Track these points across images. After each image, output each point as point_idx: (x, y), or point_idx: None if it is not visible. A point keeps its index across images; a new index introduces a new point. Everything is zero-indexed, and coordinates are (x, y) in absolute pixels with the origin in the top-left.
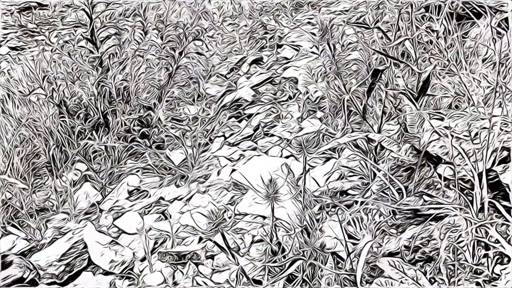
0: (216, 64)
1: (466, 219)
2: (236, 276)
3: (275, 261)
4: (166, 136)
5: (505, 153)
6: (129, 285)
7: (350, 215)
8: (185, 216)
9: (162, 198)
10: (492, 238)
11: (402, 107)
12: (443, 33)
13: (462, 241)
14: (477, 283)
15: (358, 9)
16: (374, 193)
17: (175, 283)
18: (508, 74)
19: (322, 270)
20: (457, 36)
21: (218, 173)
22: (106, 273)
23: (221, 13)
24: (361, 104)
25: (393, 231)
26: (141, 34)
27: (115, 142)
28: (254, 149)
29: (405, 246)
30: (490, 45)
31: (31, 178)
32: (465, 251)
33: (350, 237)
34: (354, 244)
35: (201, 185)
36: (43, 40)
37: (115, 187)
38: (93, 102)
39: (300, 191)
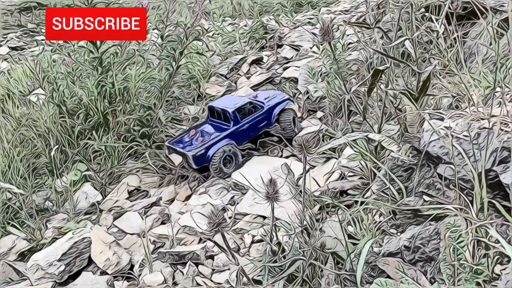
0: (217, 64)
1: (466, 219)
2: (236, 276)
3: (275, 261)
4: (166, 136)
5: (505, 153)
6: (129, 285)
7: (350, 215)
8: (185, 216)
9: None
10: (492, 238)
11: (402, 107)
12: (443, 33)
13: (462, 241)
14: (477, 283)
15: (358, 9)
16: (374, 193)
17: (175, 283)
18: (508, 74)
19: (322, 270)
20: (457, 36)
21: None
22: (102, 272)
23: (221, 13)
24: (361, 104)
25: (393, 231)
26: None
27: (115, 142)
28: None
29: (405, 246)
30: (490, 45)
31: (31, 179)
32: (465, 251)
33: (350, 237)
34: (354, 244)
35: None
36: (43, 40)
37: (115, 187)
38: (93, 102)
39: (300, 191)
